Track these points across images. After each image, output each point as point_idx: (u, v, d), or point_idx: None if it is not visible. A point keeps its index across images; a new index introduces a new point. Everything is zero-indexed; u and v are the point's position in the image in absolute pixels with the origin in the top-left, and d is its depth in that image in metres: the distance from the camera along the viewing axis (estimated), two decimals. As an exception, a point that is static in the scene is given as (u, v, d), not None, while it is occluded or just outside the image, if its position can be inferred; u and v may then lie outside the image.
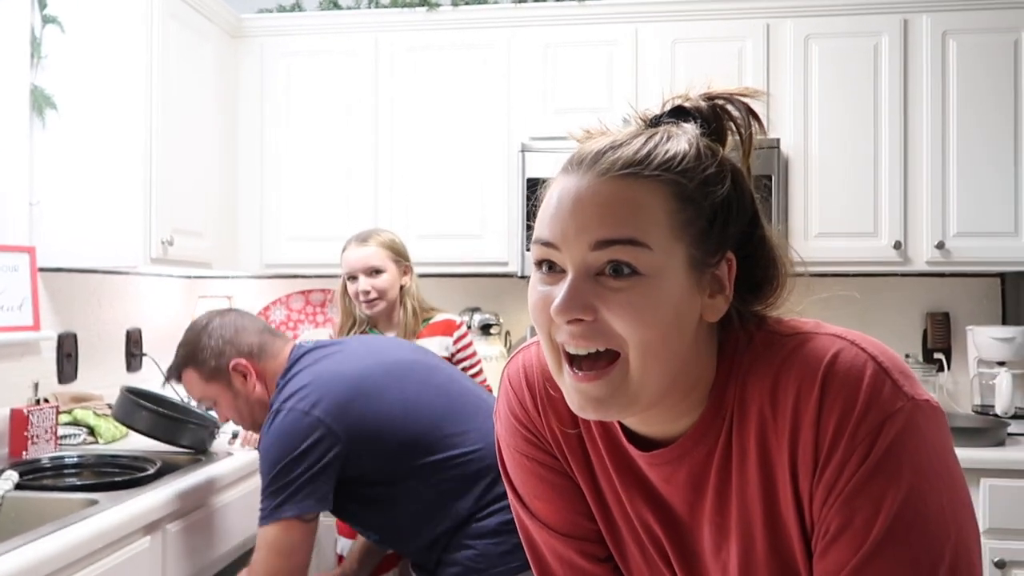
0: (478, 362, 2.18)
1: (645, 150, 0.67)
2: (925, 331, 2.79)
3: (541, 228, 0.68)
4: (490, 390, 2.13)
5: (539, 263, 0.69)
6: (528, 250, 2.56)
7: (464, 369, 2.11)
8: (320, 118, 2.72)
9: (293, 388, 1.51)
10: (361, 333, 2.15)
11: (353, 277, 2.07)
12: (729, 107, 0.73)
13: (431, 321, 2.13)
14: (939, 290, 2.81)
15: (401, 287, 2.11)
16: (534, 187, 2.55)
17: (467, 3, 2.74)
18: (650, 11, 2.62)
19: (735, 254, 0.70)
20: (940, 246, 2.50)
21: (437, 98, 2.68)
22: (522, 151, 2.56)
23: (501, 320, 2.84)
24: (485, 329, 2.72)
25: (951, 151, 2.50)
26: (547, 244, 0.67)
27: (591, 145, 0.69)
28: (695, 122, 0.71)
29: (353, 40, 2.71)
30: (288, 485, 1.42)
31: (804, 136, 2.55)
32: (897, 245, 2.52)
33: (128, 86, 2.18)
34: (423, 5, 2.69)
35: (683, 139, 0.69)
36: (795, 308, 0.74)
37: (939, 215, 2.51)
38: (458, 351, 2.12)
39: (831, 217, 2.53)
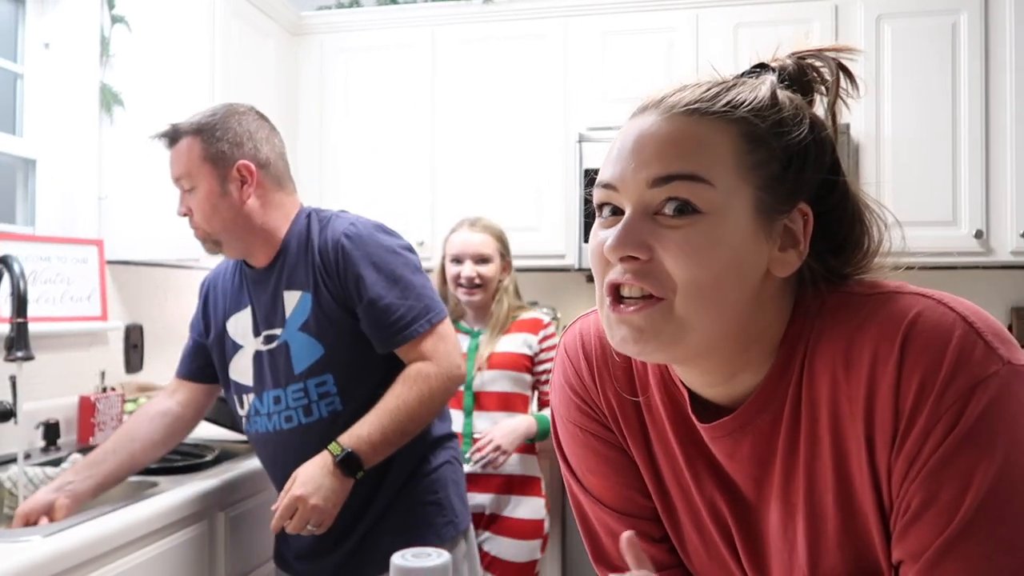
0: None
1: (715, 91, 0.64)
2: (1010, 326, 2.63)
3: (603, 170, 0.66)
4: None
5: (600, 207, 0.67)
6: (586, 242, 2.52)
7: (545, 371, 2.04)
8: (378, 112, 2.74)
9: (353, 216, 1.49)
10: (455, 320, 2.12)
11: (459, 260, 2.03)
12: (817, 63, 0.69)
13: (519, 318, 2.07)
14: (1025, 283, 2.64)
15: (500, 282, 2.07)
16: (592, 178, 2.50)
17: (523, -7, 2.72)
18: (711, -5, 2.55)
19: (813, 209, 0.64)
20: (1026, 235, 2.35)
21: (493, 90, 2.66)
22: (579, 141, 2.52)
23: (559, 314, 2.80)
24: (542, 323, 2.68)
25: (1038, 133, 2.35)
26: (607, 186, 0.65)
27: (661, 91, 0.66)
28: (778, 77, 0.67)
29: (410, 34, 2.72)
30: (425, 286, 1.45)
31: (876, 121, 2.44)
32: (979, 234, 2.38)
33: (192, 83, 2.23)
34: (479, -3, 2.67)
35: (760, 87, 0.65)
36: (888, 272, 0.68)
37: (1025, 201, 2.36)
38: (542, 351, 2.04)
39: (906, 205, 2.40)
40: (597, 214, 0.67)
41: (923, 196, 2.41)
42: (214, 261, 2.34)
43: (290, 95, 2.73)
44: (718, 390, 0.69)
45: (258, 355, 1.49)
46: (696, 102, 0.63)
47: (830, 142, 0.67)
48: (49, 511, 1.39)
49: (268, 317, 1.48)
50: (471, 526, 1.60)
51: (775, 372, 0.66)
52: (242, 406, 1.53)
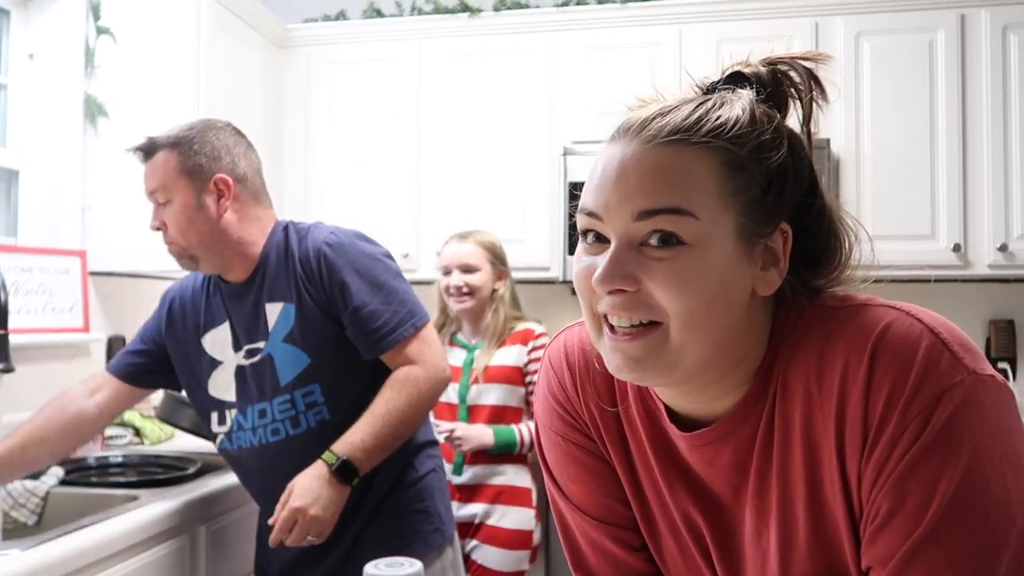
0: None
1: (695, 116, 0.64)
2: (988, 339, 2.66)
3: (586, 197, 0.67)
4: None
5: (584, 233, 0.67)
6: (571, 255, 2.53)
7: (533, 383, 2.03)
8: (364, 125, 2.75)
9: (332, 226, 1.50)
10: (452, 334, 2.14)
11: (447, 271, 2.08)
12: (791, 72, 0.69)
13: (515, 329, 2.09)
14: (1002, 296, 2.68)
15: (494, 291, 2.09)
16: (576, 191, 2.52)
17: (509, 8, 2.74)
18: (694, 11, 2.58)
19: (792, 225, 0.66)
20: (1003, 248, 2.39)
21: (479, 103, 2.68)
22: (564, 155, 2.54)
23: (544, 327, 2.81)
24: (527, 335, 2.69)
25: (1014, 148, 2.40)
26: (590, 214, 0.66)
27: (640, 112, 0.67)
28: (753, 88, 0.68)
29: (396, 47, 2.74)
30: (407, 292, 1.46)
31: (856, 136, 2.47)
32: (956, 248, 2.42)
33: (177, 94, 2.23)
34: (465, 11, 2.70)
35: (737, 105, 0.65)
36: (860, 285, 0.69)
37: (1001, 215, 2.40)
38: (529, 361, 2.05)
39: (885, 219, 2.44)
40: (581, 239, 0.68)
41: (902, 210, 2.44)
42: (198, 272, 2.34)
43: (276, 107, 2.74)
44: (698, 406, 0.70)
45: (240, 370, 1.48)
46: (678, 131, 0.63)
47: (807, 159, 0.68)
48: None
49: (249, 331, 1.47)
50: (456, 534, 1.60)
51: (755, 388, 0.67)
52: (223, 422, 1.51)
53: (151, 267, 2.27)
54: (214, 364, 1.51)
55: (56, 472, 1.64)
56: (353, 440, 1.35)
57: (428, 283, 2.34)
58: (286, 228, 1.50)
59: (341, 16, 2.93)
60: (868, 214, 2.45)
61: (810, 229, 0.68)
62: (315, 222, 1.54)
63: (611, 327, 0.65)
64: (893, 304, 0.64)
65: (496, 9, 2.74)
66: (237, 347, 1.48)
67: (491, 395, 2.02)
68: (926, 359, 0.58)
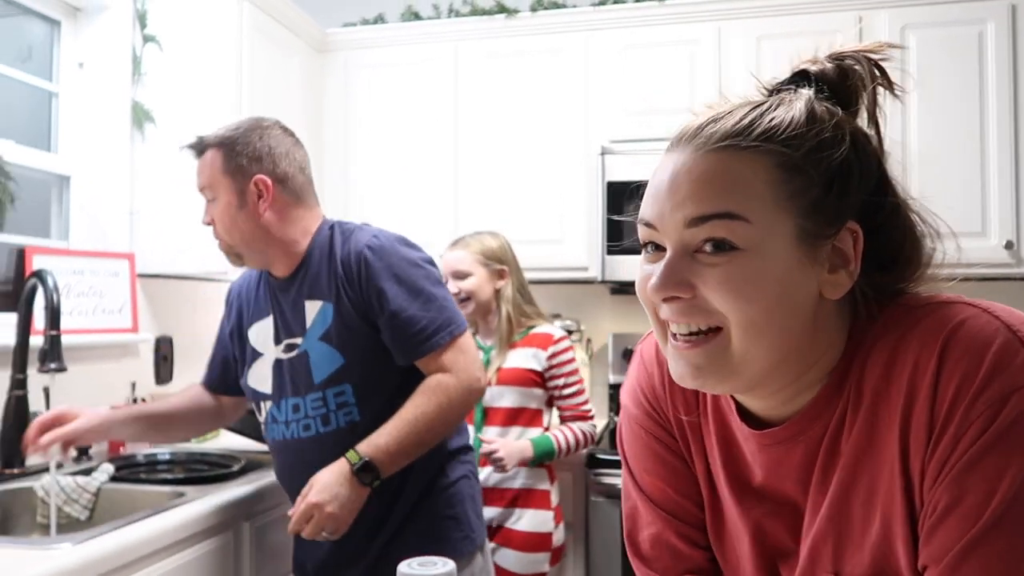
0: (576, 383, 2.05)
1: (747, 120, 0.64)
2: (1042, 339, 2.59)
3: (643, 208, 0.68)
4: (586, 415, 2.06)
5: (644, 244, 0.69)
6: (609, 255, 2.52)
7: (556, 387, 2.03)
8: (402, 127, 2.77)
9: (376, 230, 1.51)
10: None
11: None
12: (856, 66, 0.68)
13: (533, 331, 2.07)
14: (1057, 294, 2.60)
15: (496, 291, 2.09)
16: (614, 191, 2.52)
17: (545, 8, 2.74)
18: (733, 8, 2.55)
19: (862, 225, 0.65)
20: (1058, 245, 2.31)
21: (516, 104, 2.68)
22: (602, 154, 2.53)
23: (582, 327, 2.80)
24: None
25: (1068, 142, 2.32)
26: (647, 224, 0.67)
27: (696, 120, 0.67)
28: (817, 86, 0.67)
29: (434, 49, 2.75)
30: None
31: (902, 131, 2.41)
32: (1009, 245, 2.35)
33: (220, 99, 2.27)
34: (502, 12, 2.70)
35: (796, 105, 0.65)
36: (943, 284, 0.68)
37: (1056, 211, 2.32)
38: (551, 367, 2.03)
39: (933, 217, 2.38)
40: (643, 250, 0.69)
41: (952, 207, 2.35)
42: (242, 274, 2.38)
43: (315, 110, 2.78)
44: (768, 407, 0.70)
45: (278, 363, 1.51)
46: (729, 136, 0.63)
47: (875, 155, 0.67)
48: (62, 421, 1.46)
49: (289, 326, 1.50)
50: (487, 540, 1.61)
51: (827, 389, 0.67)
52: (259, 412, 1.56)
53: (196, 269, 2.32)
54: (255, 356, 1.55)
55: (107, 468, 1.68)
56: (378, 442, 1.36)
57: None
58: (332, 228, 1.53)
59: (379, 20, 2.96)
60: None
61: (884, 228, 0.66)
62: (362, 223, 1.56)
63: (674, 335, 0.66)
64: (974, 302, 0.63)
65: (533, 9, 2.74)
66: (277, 341, 1.52)
67: (506, 398, 2.02)
68: (998, 356, 0.57)
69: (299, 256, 1.50)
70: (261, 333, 1.55)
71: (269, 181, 1.46)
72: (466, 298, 2.05)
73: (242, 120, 1.52)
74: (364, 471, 1.34)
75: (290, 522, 1.36)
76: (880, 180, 0.66)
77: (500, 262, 2.10)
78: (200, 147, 1.49)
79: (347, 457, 1.35)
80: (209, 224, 1.51)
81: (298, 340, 1.48)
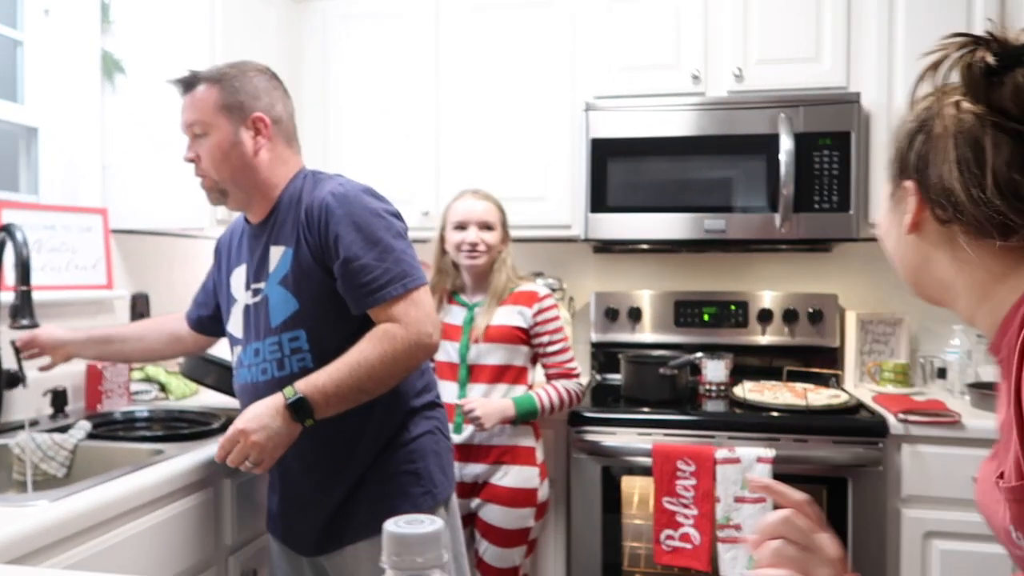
0: (561, 340, 2.07)
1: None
2: (1018, 298, 2.61)
3: None
4: (571, 372, 2.07)
5: None
6: (592, 212, 2.50)
7: (541, 344, 2.05)
8: (382, 80, 2.71)
9: (344, 179, 1.51)
10: (452, 292, 2.13)
11: (462, 227, 2.06)
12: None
13: (516, 290, 2.08)
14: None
15: (499, 253, 2.10)
16: (599, 148, 2.49)
17: (530, -41, 2.67)
18: (721, -40, 2.49)
19: None
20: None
21: (500, 58, 2.63)
22: (586, 110, 2.49)
23: (565, 285, 2.79)
24: (547, 294, 2.67)
25: (1052, 102, 2.31)
26: None
27: None
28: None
29: (415, 1, 2.68)
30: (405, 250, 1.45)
31: (888, 90, 2.40)
32: None
33: (193, 50, 2.20)
34: (485, -38, 2.63)
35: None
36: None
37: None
38: (536, 324, 2.04)
39: (916, 175, 2.38)
40: None
41: (934, 166, 2.37)
42: (219, 231, 2.34)
43: (293, 62, 2.70)
44: None
45: (246, 308, 1.53)
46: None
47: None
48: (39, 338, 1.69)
49: (257, 271, 1.52)
50: (453, 496, 1.60)
51: None
52: (234, 357, 1.58)
53: (173, 225, 2.27)
54: (232, 302, 1.58)
55: (84, 426, 1.66)
56: (316, 382, 1.36)
57: (448, 241, 2.32)
58: (306, 176, 1.53)
59: (358, -32, 2.86)
60: (898, 170, 2.39)
61: None
62: (335, 174, 1.54)
63: None
64: None
65: (517, -40, 2.67)
66: (247, 286, 1.53)
67: (493, 355, 2.02)
68: None
69: (272, 201, 1.51)
70: (236, 279, 1.58)
71: (267, 119, 1.49)
72: (484, 251, 2.05)
73: (232, 62, 1.53)
74: (297, 407, 1.34)
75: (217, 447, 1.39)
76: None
77: (507, 226, 2.12)
78: (192, 80, 1.49)
79: (283, 392, 1.36)
80: (192, 160, 1.50)
81: (262, 285, 1.50)
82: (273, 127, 1.50)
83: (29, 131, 2.16)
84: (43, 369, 1.75)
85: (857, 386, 2.62)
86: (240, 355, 1.55)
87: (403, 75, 2.69)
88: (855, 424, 2.11)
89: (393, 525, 0.51)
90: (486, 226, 2.06)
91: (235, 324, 1.56)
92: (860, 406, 2.26)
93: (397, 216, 1.48)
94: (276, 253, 1.48)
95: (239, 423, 1.35)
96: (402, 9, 2.69)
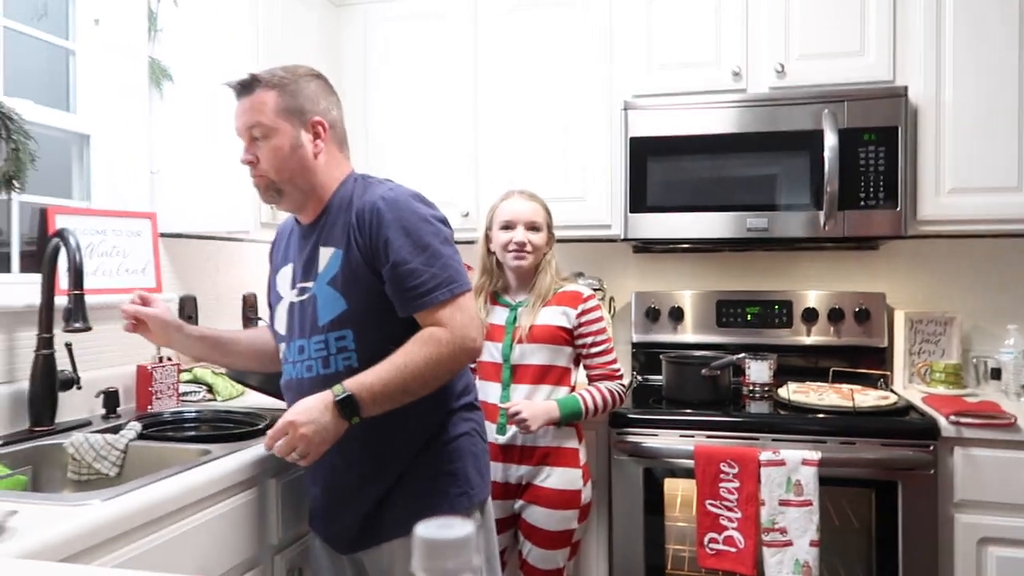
0: (604, 341, 2.06)
1: None
2: (1077, 296, 2.52)
3: None
4: (615, 374, 2.06)
5: None
6: (632, 212, 2.48)
7: (584, 345, 2.04)
8: (420, 82, 2.72)
9: (395, 184, 1.53)
10: (495, 292, 2.14)
11: (509, 227, 2.07)
12: None
13: (560, 290, 2.08)
14: (1095, 251, 2.52)
15: (544, 254, 2.10)
16: (638, 147, 2.46)
17: (568, -42, 2.66)
18: (763, -46, 2.45)
19: None
20: (1097, 200, 2.24)
21: (537, 58, 2.62)
22: (625, 109, 2.47)
23: (605, 285, 2.78)
24: (587, 294, 2.66)
25: (1113, 92, 2.22)
26: None
27: None
28: None
29: (454, 2, 2.69)
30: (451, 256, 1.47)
31: (936, 82, 2.33)
32: (1045, 198, 2.28)
33: (236, 56, 2.24)
34: (523, -38, 2.62)
35: None
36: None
37: (1097, 165, 2.24)
38: (580, 325, 2.03)
39: (967, 171, 2.31)
40: None
41: (986, 162, 2.30)
42: (264, 234, 2.38)
43: (333, 66, 2.73)
44: None
45: (291, 306, 1.57)
46: None
47: None
48: (147, 302, 1.64)
49: (305, 271, 1.55)
50: (489, 499, 1.62)
51: None
52: (279, 354, 1.62)
53: (217, 228, 2.32)
54: (278, 299, 1.63)
55: (135, 426, 1.70)
56: (363, 380, 1.39)
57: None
58: (356, 180, 1.57)
59: (397, -28, 2.89)
60: (949, 166, 2.33)
61: None
62: (385, 179, 1.58)
63: None
64: None
65: (554, -41, 2.66)
66: (293, 284, 1.57)
67: (536, 355, 2.01)
68: None
69: (324, 203, 1.55)
70: (283, 278, 1.62)
71: (326, 123, 1.53)
72: (531, 251, 2.06)
73: (287, 66, 1.56)
74: (345, 404, 1.37)
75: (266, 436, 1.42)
76: None
77: (552, 227, 2.13)
78: (251, 84, 1.51)
79: (332, 389, 1.39)
80: (249, 163, 1.54)
81: (310, 284, 1.53)
82: (329, 131, 1.54)
83: (81, 138, 2.22)
84: (126, 328, 1.66)
85: (906, 387, 2.55)
86: (285, 352, 1.58)
87: (442, 76, 2.70)
88: (905, 426, 2.05)
89: (423, 529, 0.51)
90: (533, 227, 2.06)
91: (280, 321, 1.60)
92: (910, 408, 2.21)
93: (444, 222, 1.51)
94: (326, 254, 1.51)
95: (289, 415, 1.39)
96: (441, 10, 2.70)
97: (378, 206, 1.45)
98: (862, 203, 2.31)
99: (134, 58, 2.24)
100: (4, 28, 1.97)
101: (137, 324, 1.64)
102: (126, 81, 2.24)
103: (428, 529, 0.51)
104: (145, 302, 1.64)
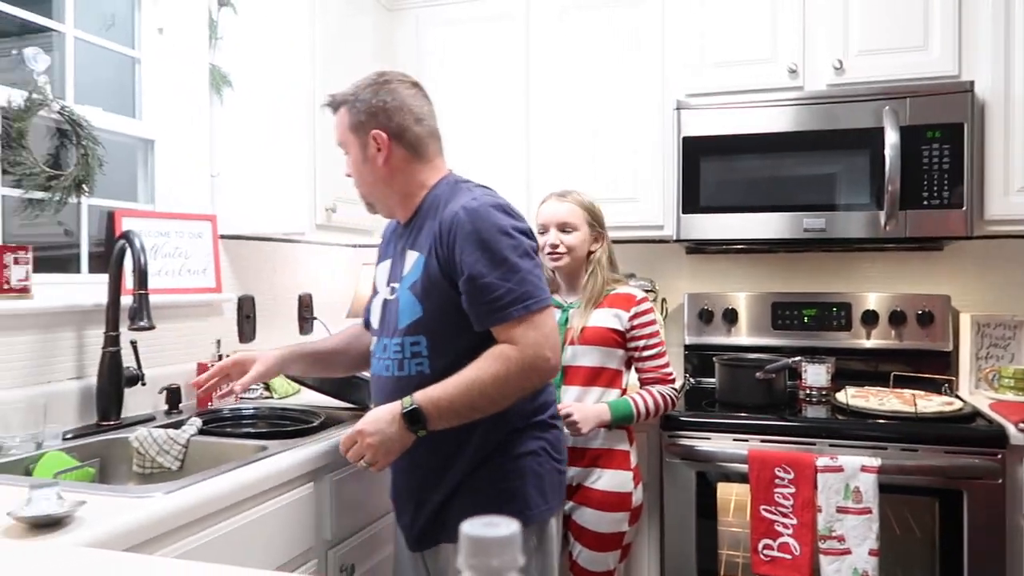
0: (657, 344, 2.03)
1: None
2: None
3: None
4: (667, 378, 2.03)
5: None
6: (685, 213, 2.46)
7: (637, 348, 2.01)
8: (472, 85, 2.74)
9: (480, 192, 1.52)
10: None
11: (544, 230, 2.08)
12: None
13: (614, 291, 2.06)
14: None
15: (590, 252, 2.08)
16: (691, 147, 2.43)
17: (620, -43, 2.64)
18: (821, -52, 2.40)
19: None
20: None
21: (589, 59, 2.62)
22: (677, 109, 2.45)
23: (657, 287, 2.75)
24: (639, 295, 2.64)
25: None
26: None
27: None
28: None
29: (505, 4, 2.70)
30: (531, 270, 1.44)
31: (1005, 77, 2.24)
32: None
33: (294, 63, 2.29)
34: (574, -37, 2.62)
35: None
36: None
37: None
38: (633, 328, 2.01)
39: (1038, 168, 2.22)
40: None
41: (1059, 157, 2.21)
42: (319, 235, 2.42)
43: (386, 69, 2.76)
44: None
45: (384, 303, 1.60)
46: None
47: None
48: (243, 367, 1.69)
49: (395, 271, 1.59)
50: (551, 521, 1.58)
51: None
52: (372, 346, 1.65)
53: (274, 230, 2.37)
54: (375, 293, 1.67)
55: (195, 422, 1.76)
56: (431, 394, 1.40)
57: (538, 243, 2.33)
58: (450, 184, 1.57)
59: (450, -24, 2.91)
60: (1019, 164, 2.24)
61: None
62: (477, 185, 1.57)
63: None
64: None
65: (606, -41, 2.65)
66: (388, 282, 1.61)
67: (587, 357, 2.00)
68: None
69: (415, 206, 1.58)
70: (382, 272, 1.66)
71: (384, 135, 1.54)
72: (564, 252, 2.05)
73: (368, 76, 1.60)
74: (412, 417, 1.39)
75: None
76: None
77: (600, 225, 2.10)
78: (334, 105, 1.60)
79: (402, 400, 1.41)
80: (349, 176, 1.62)
81: (396, 285, 1.56)
82: (393, 142, 1.54)
83: (146, 143, 2.30)
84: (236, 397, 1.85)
85: (972, 393, 2.46)
86: (374, 346, 1.61)
87: (493, 79, 2.71)
88: (971, 433, 1.98)
89: (469, 527, 0.52)
90: (565, 227, 2.05)
91: (375, 315, 1.64)
92: (976, 414, 2.13)
93: (527, 234, 1.47)
94: (411, 258, 1.53)
95: (360, 424, 1.43)
96: (493, 13, 2.72)
97: (459, 216, 1.43)
98: (925, 202, 2.23)
99: (196, 65, 2.31)
100: (75, 39, 2.06)
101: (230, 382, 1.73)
102: (188, 87, 2.31)
103: (474, 527, 0.52)
104: (239, 367, 1.70)
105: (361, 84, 1.57)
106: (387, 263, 1.64)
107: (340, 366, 1.83)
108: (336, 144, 1.62)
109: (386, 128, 1.54)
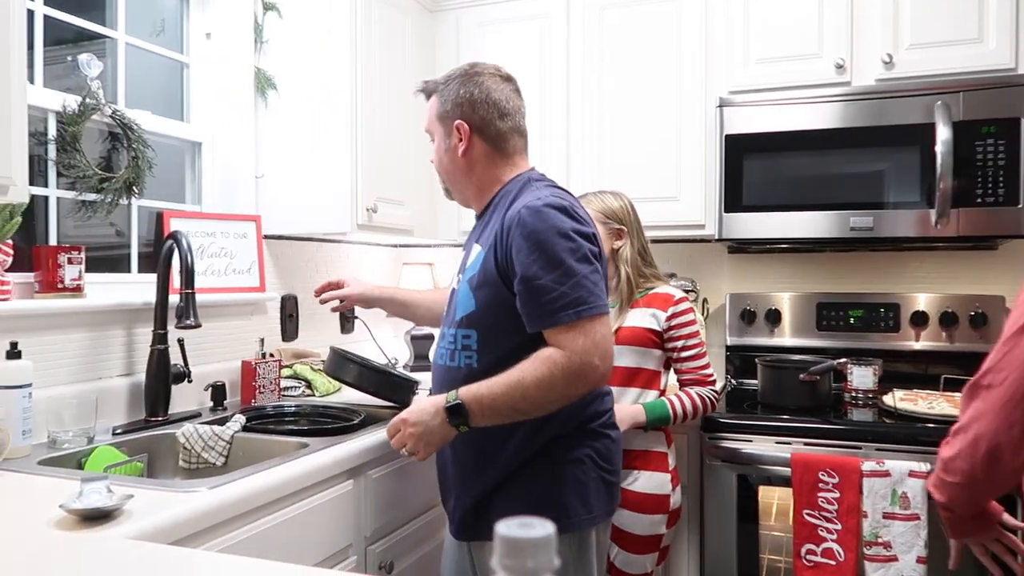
0: (696, 345, 1.99)
1: None
2: None
3: None
4: (707, 379, 2.00)
5: None
6: (727, 212, 2.42)
7: (675, 349, 1.98)
8: (513, 85, 2.74)
9: (547, 192, 1.47)
10: None
11: None
12: None
13: (652, 291, 2.03)
14: None
15: (614, 251, 2.04)
16: (733, 145, 2.40)
17: (661, -46, 2.62)
18: (869, -59, 2.34)
19: None
20: None
21: (630, 56, 2.60)
22: (720, 106, 2.41)
23: (698, 286, 2.72)
24: (680, 295, 2.61)
25: None
26: None
27: None
28: None
29: (546, 3, 2.70)
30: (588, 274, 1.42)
31: (1064, 69, 2.16)
32: None
33: (336, 65, 2.32)
34: (615, -39, 2.60)
35: None
36: None
37: None
38: (671, 328, 1.98)
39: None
40: None
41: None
42: (361, 235, 2.45)
43: (427, 71, 2.79)
44: None
45: (453, 291, 1.62)
46: None
47: None
48: (338, 286, 1.98)
49: (464, 262, 1.60)
50: (592, 533, 1.52)
51: None
52: None
53: (317, 230, 2.41)
54: (454, 279, 1.68)
55: (239, 419, 1.79)
56: (475, 390, 1.40)
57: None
58: (523, 182, 1.55)
59: (490, -24, 2.92)
60: (1077, 159, 2.15)
61: None
62: (549, 184, 1.54)
63: None
64: None
65: (648, -44, 2.63)
66: (457, 272, 1.63)
67: (624, 357, 1.97)
68: None
69: (487, 200, 1.59)
70: (460, 261, 1.67)
71: (467, 127, 1.55)
72: None
73: (461, 66, 1.62)
74: (454, 411, 1.41)
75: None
76: None
77: (619, 222, 2.05)
78: (426, 92, 1.64)
79: (447, 394, 1.43)
80: (432, 163, 1.66)
81: (461, 276, 1.58)
82: (474, 133, 1.55)
83: (193, 146, 2.36)
84: (334, 310, 2.02)
85: (1028, 397, 2.38)
86: (442, 330, 1.63)
87: (532, 78, 2.71)
88: (1025, 439, 1.91)
89: (504, 527, 0.51)
90: None
91: (448, 302, 1.66)
92: (1031, 419, 2.05)
93: (588, 237, 1.43)
94: (475, 251, 1.54)
95: (404, 413, 1.48)
96: (533, 12, 2.72)
97: (520, 215, 1.41)
98: (979, 200, 2.17)
99: (241, 69, 2.36)
100: (127, 45, 2.11)
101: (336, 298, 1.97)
102: (234, 91, 2.36)
103: (509, 527, 0.52)
104: (339, 286, 1.98)
105: (453, 74, 1.59)
106: (464, 253, 1.66)
107: (421, 318, 1.98)
108: (424, 130, 1.66)
109: (469, 120, 1.55)
